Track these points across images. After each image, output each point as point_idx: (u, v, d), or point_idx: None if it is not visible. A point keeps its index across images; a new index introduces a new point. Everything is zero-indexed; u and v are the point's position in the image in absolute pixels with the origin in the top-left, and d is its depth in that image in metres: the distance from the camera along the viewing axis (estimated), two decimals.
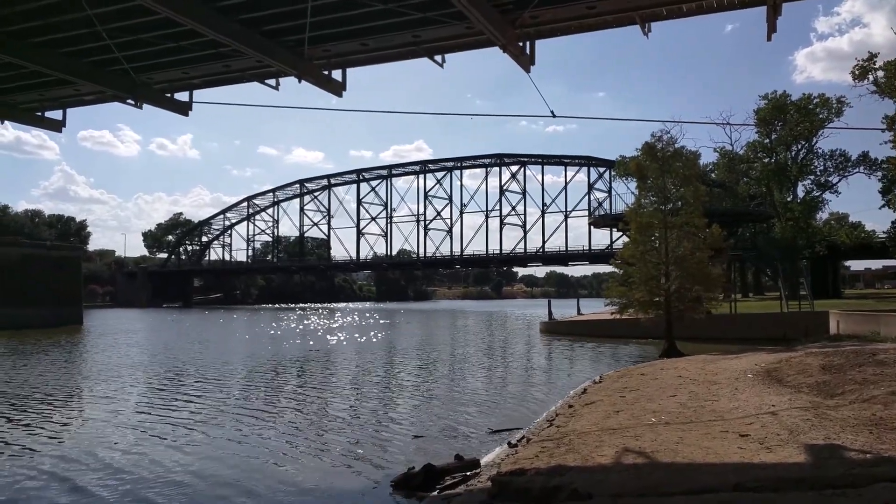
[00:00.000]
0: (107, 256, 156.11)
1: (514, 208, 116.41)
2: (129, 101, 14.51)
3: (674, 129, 29.00)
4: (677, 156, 29.48)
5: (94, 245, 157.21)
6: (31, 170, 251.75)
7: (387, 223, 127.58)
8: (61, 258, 71.17)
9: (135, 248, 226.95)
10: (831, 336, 28.63)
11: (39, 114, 15.95)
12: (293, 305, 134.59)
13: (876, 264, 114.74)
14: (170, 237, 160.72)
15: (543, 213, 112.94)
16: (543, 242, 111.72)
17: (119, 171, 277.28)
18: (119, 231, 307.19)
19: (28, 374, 25.04)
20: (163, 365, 28.23)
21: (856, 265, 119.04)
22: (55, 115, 16.15)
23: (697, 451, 9.15)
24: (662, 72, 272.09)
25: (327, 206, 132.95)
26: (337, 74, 13.38)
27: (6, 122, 16.17)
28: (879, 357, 15.53)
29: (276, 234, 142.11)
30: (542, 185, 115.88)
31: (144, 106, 14.84)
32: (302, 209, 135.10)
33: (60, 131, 16.67)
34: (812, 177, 77.49)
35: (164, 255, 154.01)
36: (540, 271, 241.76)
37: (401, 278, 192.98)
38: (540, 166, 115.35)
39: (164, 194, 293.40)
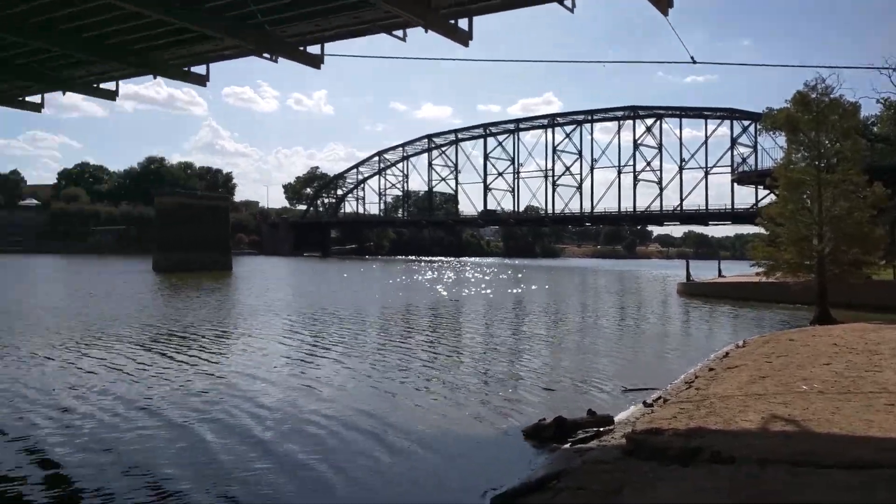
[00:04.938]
0: (251, 207, 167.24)
1: (648, 164, 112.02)
2: (265, 54, 15.32)
3: (829, 78, 26.13)
4: (834, 107, 26.74)
5: (239, 196, 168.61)
6: (183, 125, 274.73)
7: (514, 178, 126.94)
8: (212, 207, 76.81)
9: (276, 200, 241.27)
10: None
11: (186, 69, 17.23)
12: (423, 258, 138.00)
13: None
14: (308, 190, 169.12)
15: (681, 168, 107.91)
16: (681, 200, 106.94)
17: (260, 126, 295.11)
18: (261, 184, 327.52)
19: (199, 311, 27.52)
20: (309, 309, 30.35)
21: None
22: (199, 69, 17.43)
23: (858, 423, 8.44)
24: (815, 13, 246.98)
25: (454, 162, 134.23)
26: (463, 24, 13.23)
27: (158, 77, 17.84)
28: None
29: (405, 188, 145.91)
30: (680, 138, 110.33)
31: (280, 61, 15.61)
32: (430, 164, 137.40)
33: (205, 85, 18.05)
34: None
35: (303, 207, 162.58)
36: (677, 231, 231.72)
37: (528, 235, 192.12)
38: (677, 119, 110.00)
39: (301, 148, 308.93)
